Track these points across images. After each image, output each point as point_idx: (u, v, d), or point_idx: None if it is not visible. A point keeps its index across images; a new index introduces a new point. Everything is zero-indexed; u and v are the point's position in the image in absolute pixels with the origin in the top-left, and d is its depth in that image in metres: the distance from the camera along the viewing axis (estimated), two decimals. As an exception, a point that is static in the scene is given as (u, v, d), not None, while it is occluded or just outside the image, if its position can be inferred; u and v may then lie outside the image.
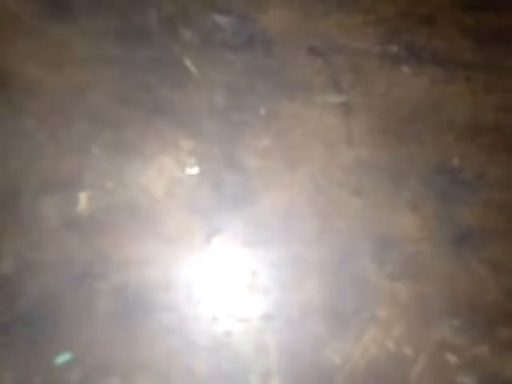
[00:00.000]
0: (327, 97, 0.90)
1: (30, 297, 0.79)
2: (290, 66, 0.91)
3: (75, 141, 0.85)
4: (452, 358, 0.80)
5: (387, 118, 0.90)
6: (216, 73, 0.90)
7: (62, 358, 0.77)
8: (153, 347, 0.79)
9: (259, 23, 0.93)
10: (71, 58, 0.89)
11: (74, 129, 0.86)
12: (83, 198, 0.83)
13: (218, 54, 0.91)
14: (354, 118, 0.89)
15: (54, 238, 0.81)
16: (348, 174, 0.87)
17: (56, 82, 0.88)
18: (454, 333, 0.81)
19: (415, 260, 0.84)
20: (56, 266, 0.80)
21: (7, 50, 0.88)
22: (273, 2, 0.93)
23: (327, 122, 0.89)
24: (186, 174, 0.86)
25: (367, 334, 0.80)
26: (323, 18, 0.93)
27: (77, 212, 0.82)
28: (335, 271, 0.83)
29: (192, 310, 0.81)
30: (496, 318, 0.82)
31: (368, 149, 0.88)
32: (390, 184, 0.87)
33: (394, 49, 0.92)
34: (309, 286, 0.83)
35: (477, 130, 0.90)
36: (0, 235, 0.81)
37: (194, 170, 0.86)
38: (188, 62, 0.90)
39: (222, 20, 0.93)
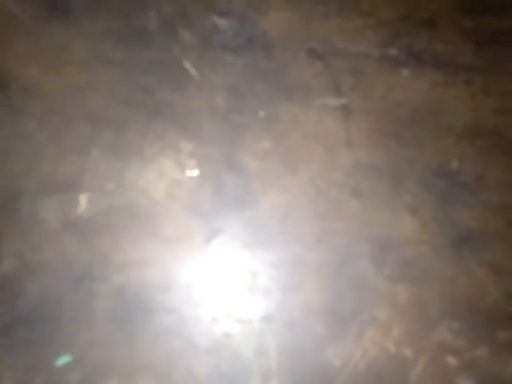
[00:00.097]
0: (327, 99, 0.90)
1: (29, 298, 0.79)
2: (290, 68, 0.91)
3: (75, 143, 0.85)
4: (452, 360, 0.80)
5: (387, 120, 0.90)
6: (216, 75, 0.90)
7: (62, 360, 0.77)
8: (153, 348, 0.79)
9: (259, 25, 0.93)
10: (71, 59, 0.89)
11: (74, 131, 0.86)
12: (83, 200, 0.83)
13: (218, 56, 0.91)
14: (353, 121, 0.90)
15: (54, 240, 0.81)
16: (347, 177, 0.87)
17: (56, 84, 0.88)
18: (453, 335, 0.81)
19: (414, 262, 0.84)
20: (56, 267, 0.80)
21: (7, 51, 0.88)
22: (273, 4, 0.94)
23: (327, 125, 0.89)
24: (186, 176, 0.86)
25: (367, 336, 0.81)
26: (323, 21, 0.93)
27: (77, 214, 0.82)
28: (334, 273, 0.83)
29: (192, 312, 0.81)
30: (495, 321, 0.82)
31: (367, 151, 0.88)
32: (389, 186, 0.87)
33: (394, 52, 0.93)
34: (308, 287, 0.83)
35: (476, 133, 0.90)
36: (0, 237, 0.81)
37: (194, 172, 0.86)
38: (188, 64, 0.90)
39: (221, 22, 0.93)
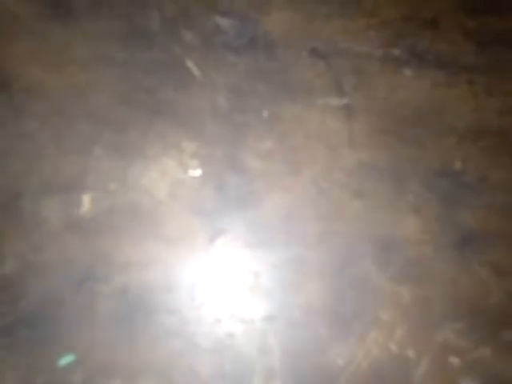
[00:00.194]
0: (329, 99, 0.90)
1: (31, 298, 0.78)
2: (293, 68, 0.91)
3: (77, 142, 0.85)
4: (455, 361, 0.80)
5: (389, 120, 0.90)
6: (218, 75, 0.90)
7: (65, 360, 0.76)
8: (155, 349, 0.78)
9: (261, 25, 0.93)
10: (73, 59, 0.89)
11: (75, 130, 0.86)
12: (85, 200, 0.83)
13: (220, 55, 0.91)
14: (355, 121, 0.90)
15: (56, 240, 0.81)
16: (350, 177, 0.87)
17: (58, 84, 0.87)
18: (456, 335, 0.81)
19: (417, 262, 0.84)
20: (58, 267, 0.80)
21: (9, 51, 0.88)
22: (275, 4, 0.93)
23: (329, 125, 0.89)
24: (188, 176, 0.86)
25: (369, 336, 0.81)
26: (326, 21, 0.93)
27: (79, 214, 0.82)
28: (337, 273, 0.83)
29: (194, 312, 0.81)
30: (498, 321, 0.82)
31: (370, 151, 0.88)
32: (391, 187, 0.87)
33: (397, 52, 0.93)
34: (311, 287, 0.83)
35: (479, 133, 0.90)
36: (2, 237, 0.80)
37: (197, 172, 0.86)
38: (190, 64, 0.90)
39: (223, 22, 0.93)
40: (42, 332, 0.78)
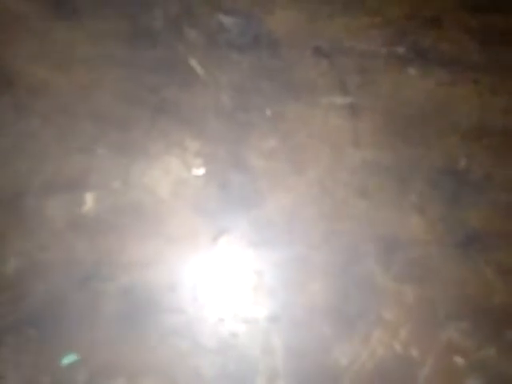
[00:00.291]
0: (333, 98, 0.90)
1: (35, 298, 0.78)
2: (296, 67, 0.91)
3: (80, 141, 0.85)
4: (459, 360, 0.80)
5: (393, 119, 0.90)
6: (222, 73, 0.90)
7: (69, 359, 0.76)
8: (158, 349, 0.78)
9: (265, 24, 0.93)
10: (76, 58, 0.89)
11: (79, 129, 0.86)
12: (88, 198, 0.83)
13: (224, 54, 0.91)
14: (359, 120, 0.89)
15: (60, 239, 0.81)
16: (354, 176, 0.87)
17: (61, 83, 0.87)
18: (461, 335, 0.81)
19: (421, 262, 0.84)
20: (61, 266, 0.80)
21: (13, 50, 0.88)
22: (279, 2, 0.93)
23: (333, 124, 0.89)
24: (191, 175, 0.85)
25: (373, 336, 0.80)
26: (329, 20, 0.93)
27: (82, 212, 0.82)
28: (341, 273, 0.83)
29: (197, 311, 0.80)
30: (503, 320, 0.82)
31: (374, 150, 0.88)
32: (396, 186, 0.87)
33: (400, 50, 0.92)
34: (314, 287, 0.82)
35: (483, 132, 0.90)
36: (5, 236, 0.80)
37: (200, 171, 0.85)
38: (194, 63, 0.90)
39: (227, 20, 0.93)
40: (45, 331, 0.77)
